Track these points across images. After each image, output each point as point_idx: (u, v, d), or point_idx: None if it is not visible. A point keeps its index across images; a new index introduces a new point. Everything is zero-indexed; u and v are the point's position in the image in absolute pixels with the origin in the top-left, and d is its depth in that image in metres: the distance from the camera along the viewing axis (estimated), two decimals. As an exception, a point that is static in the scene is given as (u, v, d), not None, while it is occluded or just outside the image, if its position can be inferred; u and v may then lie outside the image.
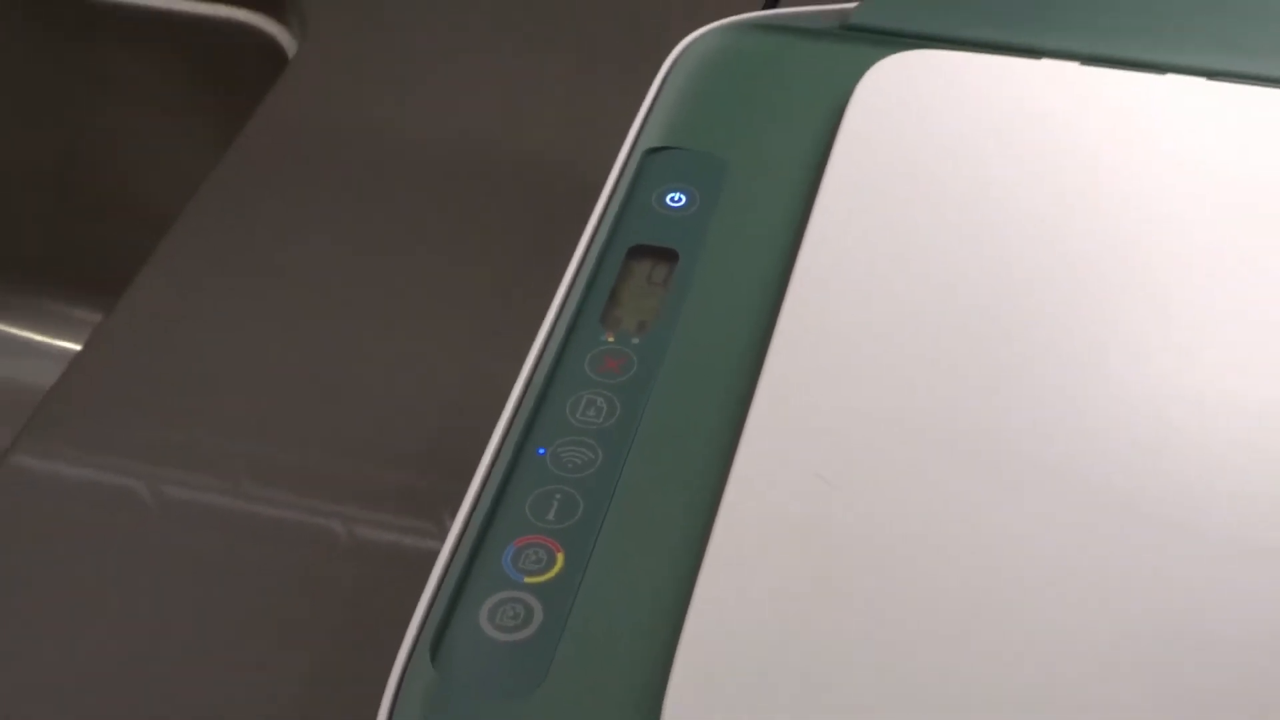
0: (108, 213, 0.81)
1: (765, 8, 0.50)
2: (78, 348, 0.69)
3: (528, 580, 0.34)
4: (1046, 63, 0.43)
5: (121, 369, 0.55)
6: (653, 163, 0.43)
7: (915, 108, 0.42)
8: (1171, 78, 0.43)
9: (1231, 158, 0.41)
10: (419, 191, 0.61)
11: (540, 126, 0.63)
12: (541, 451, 0.37)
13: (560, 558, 0.34)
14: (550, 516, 0.35)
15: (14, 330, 0.85)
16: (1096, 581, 0.32)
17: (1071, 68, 0.43)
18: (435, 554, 0.35)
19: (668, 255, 0.41)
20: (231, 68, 0.74)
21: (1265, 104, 0.42)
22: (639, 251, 0.41)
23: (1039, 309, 0.37)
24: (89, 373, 0.55)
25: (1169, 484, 0.33)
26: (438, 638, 0.33)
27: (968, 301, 0.37)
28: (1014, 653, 0.31)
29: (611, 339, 0.39)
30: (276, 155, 0.63)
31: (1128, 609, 0.31)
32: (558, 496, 0.36)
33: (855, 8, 0.46)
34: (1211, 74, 0.44)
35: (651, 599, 0.33)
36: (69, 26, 0.76)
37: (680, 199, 0.42)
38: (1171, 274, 0.38)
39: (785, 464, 0.34)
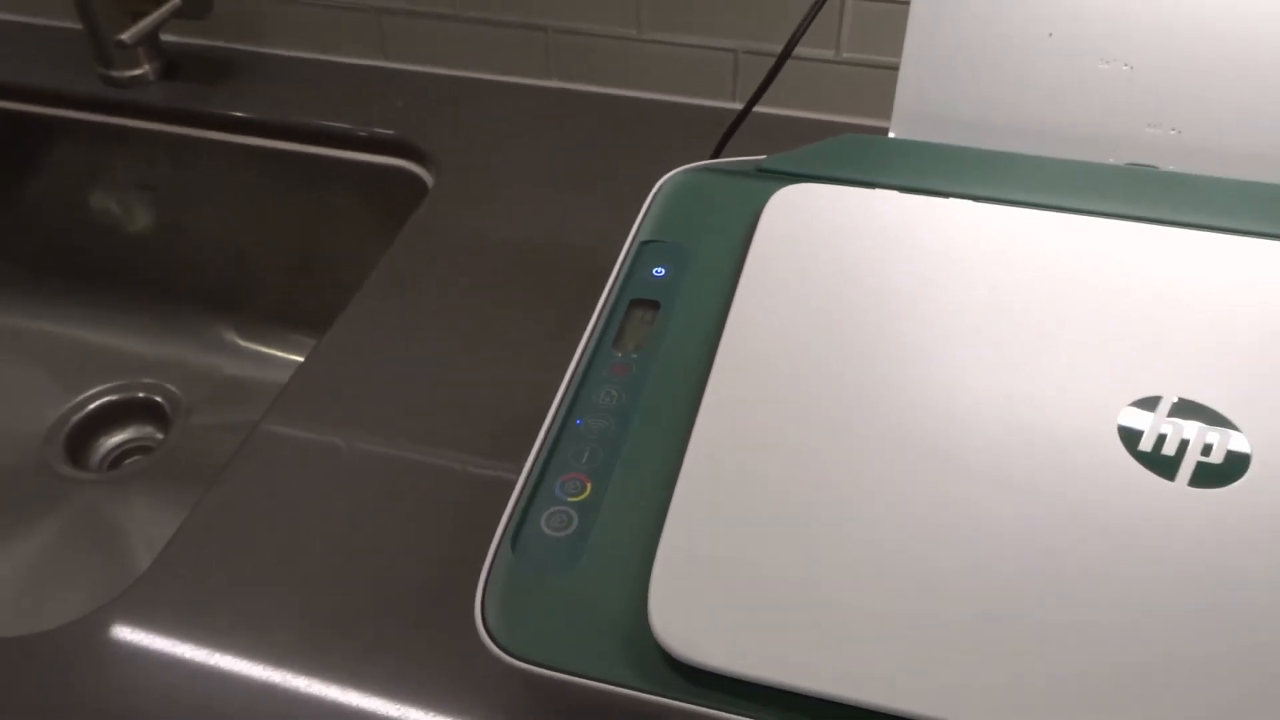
0: (320, 281, 0.79)
1: (712, 158, 0.48)
2: (300, 359, 0.68)
3: (570, 500, 0.33)
4: (885, 192, 0.41)
5: (327, 375, 0.53)
6: (645, 250, 0.41)
7: (799, 220, 0.40)
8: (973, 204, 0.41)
9: (1040, 265, 0.38)
10: (508, 272, 0.59)
11: (582, 232, 0.62)
12: (579, 422, 0.35)
13: (589, 486, 0.33)
14: (584, 461, 0.34)
15: (262, 348, 0.83)
16: (954, 497, 0.31)
17: (901, 195, 0.40)
18: (514, 485, 0.34)
19: (654, 304, 0.39)
20: (394, 194, 0.72)
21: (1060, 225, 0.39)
22: (636, 302, 0.39)
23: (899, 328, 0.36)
24: (307, 377, 0.54)
25: (977, 448, 0.32)
26: (515, 535, 0.32)
27: (836, 329, 0.36)
28: (899, 529, 0.30)
29: (620, 355, 0.37)
30: (422, 249, 0.62)
31: (968, 508, 0.30)
32: (588, 449, 0.34)
33: (764, 159, 0.44)
34: (1031, 205, 0.40)
35: (647, 511, 0.32)
36: (298, 171, 0.74)
37: (662, 271, 0.40)
38: (984, 333, 0.36)
39: (727, 424, 0.33)
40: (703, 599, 0.28)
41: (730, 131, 0.52)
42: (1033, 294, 0.36)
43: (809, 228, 0.39)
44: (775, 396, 0.33)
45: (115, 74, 0.75)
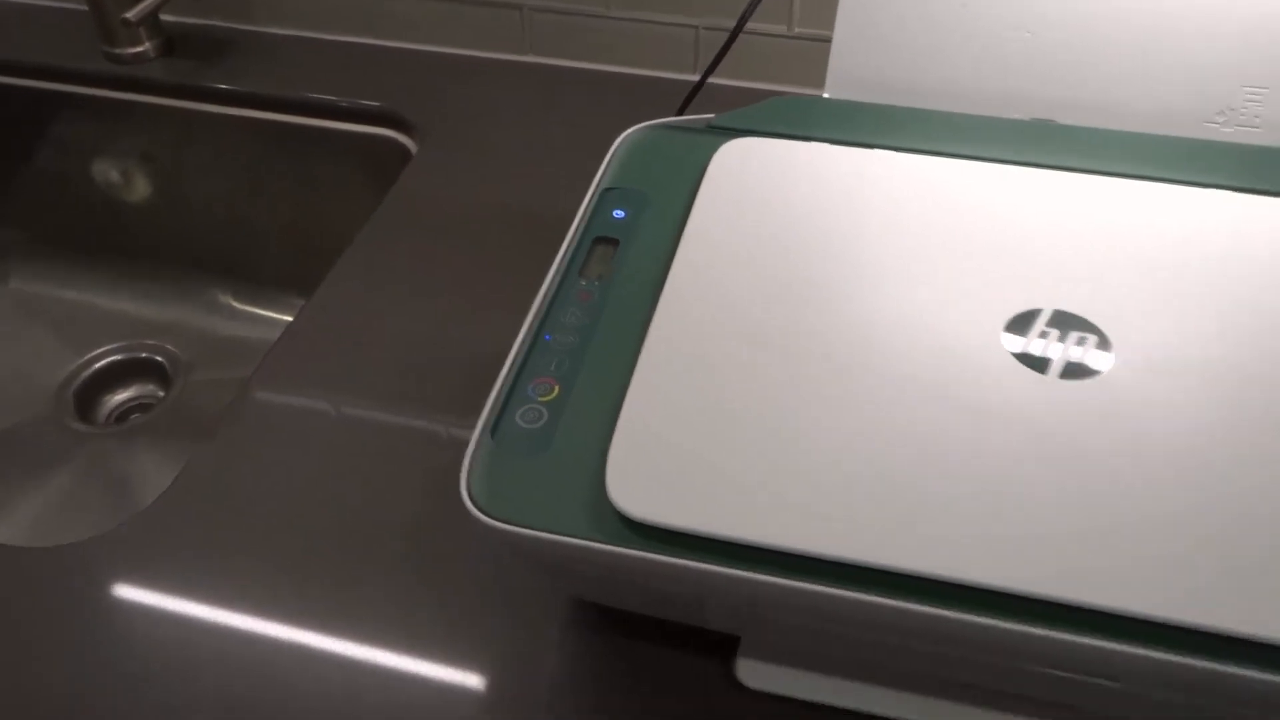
0: (312, 246, 0.82)
1: (678, 114, 0.52)
2: (282, 317, 0.72)
3: (540, 400, 0.37)
4: (818, 144, 0.45)
5: (313, 334, 0.57)
6: (607, 195, 0.45)
7: (742, 168, 0.44)
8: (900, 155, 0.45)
9: (954, 206, 0.43)
10: (487, 232, 0.63)
11: (556, 194, 0.66)
12: (548, 338, 0.39)
13: (557, 388, 0.38)
14: (552, 369, 0.38)
15: (258, 310, 0.87)
16: (871, 385, 0.36)
17: (832, 146, 0.45)
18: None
19: (614, 241, 0.43)
20: (381, 163, 0.76)
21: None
22: (599, 240, 0.43)
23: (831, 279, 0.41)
24: (296, 335, 0.57)
25: (892, 351, 0.38)
26: (495, 425, 0.36)
27: (772, 256, 0.41)
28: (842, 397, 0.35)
29: (584, 283, 0.42)
30: (406, 212, 0.66)
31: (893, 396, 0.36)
32: (555, 359, 0.39)
33: (714, 117, 0.48)
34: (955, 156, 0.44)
35: (607, 407, 0.36)
36: (291, 142, 0.78)
37: (621, 213, 0.44)
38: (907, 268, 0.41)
39: (678, 329, 0.38)
40: (652, 467, 0.33)
41: (689, 99, 0.57)
42: (944, 228, 0.42)
43: (751, 175, 0.44)
44: (719, 307, 0.39)
45: (118, 51, 0.79)
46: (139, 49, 0.79)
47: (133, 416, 0.84)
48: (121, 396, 0.86)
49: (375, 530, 0.47)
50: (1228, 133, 0.47)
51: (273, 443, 0.51)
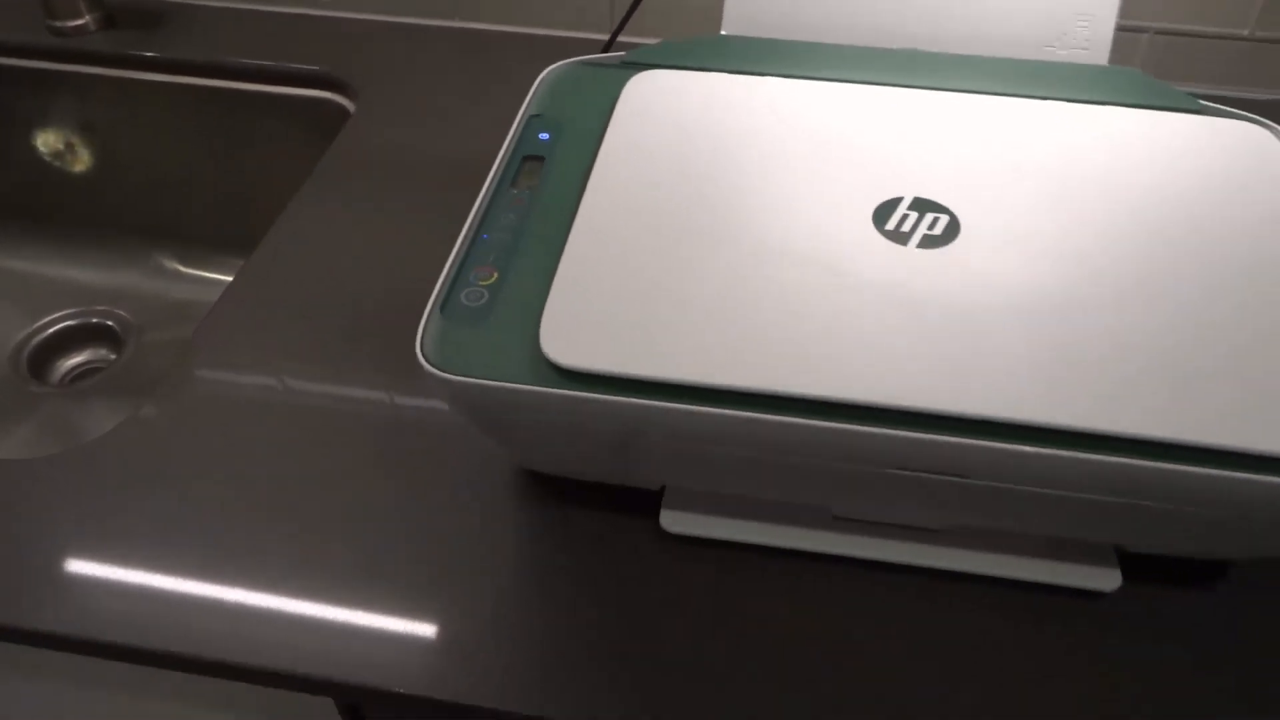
0: (250, 204, 0.85)
1: (604, 51, 0.57)
2: (229, 279, 0.74)
3: (481, 284, 0.43)
4: (716, 74, 0.51)
5: (254, 293, 0.61)
6: (533, 122, 0.51)
7: (651, 96, 0.50)
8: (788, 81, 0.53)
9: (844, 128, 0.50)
10: (423, 174, 0.68)
11: (484, 142, 0.72)
12: (485, 236, 0.45)
13: (496, 274, 0.43)
14: (490, 260, 0.44)
15: (204, 273, 0.91)
16: (764, 259, 0.42)
17: (729, 75, 0.51)
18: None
19: (540, 159, 0.49)
20: (320, 122, 0.80)
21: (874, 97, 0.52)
22: (527, 158, 0.49)
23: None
24: (235, 295, 0.61)
25: (784, 232, 0.44)
26: (444, 304, 0.42)
27: (678, 160, 0.47)
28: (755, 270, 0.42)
29: (516, 191, 0.47)
30: (345, 166, 0.70)
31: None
32: (493, 252, 0.44)
33: (627, 54, 0.54)
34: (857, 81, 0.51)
35: (539, 288, 0.42)
36: (230, 107, 0.82)
37: (546, 136, 0.50)
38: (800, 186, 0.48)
39: (599, 218, 0.44)
40: (577, 326, 0.39)
41: (607, 46, 0.63)
42: (823, 140, 0.48)
43: (657, 101, 0.51)
44: (632, 205, 0.45)
45: (59, 24, 0.82)
46: (80, 21, 0.82)
47: (87, 380, 0.87)
48: (76, 360, 0.89)
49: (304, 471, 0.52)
50: (1063, 54, 0.55)
51: (212, 405, 0.53)
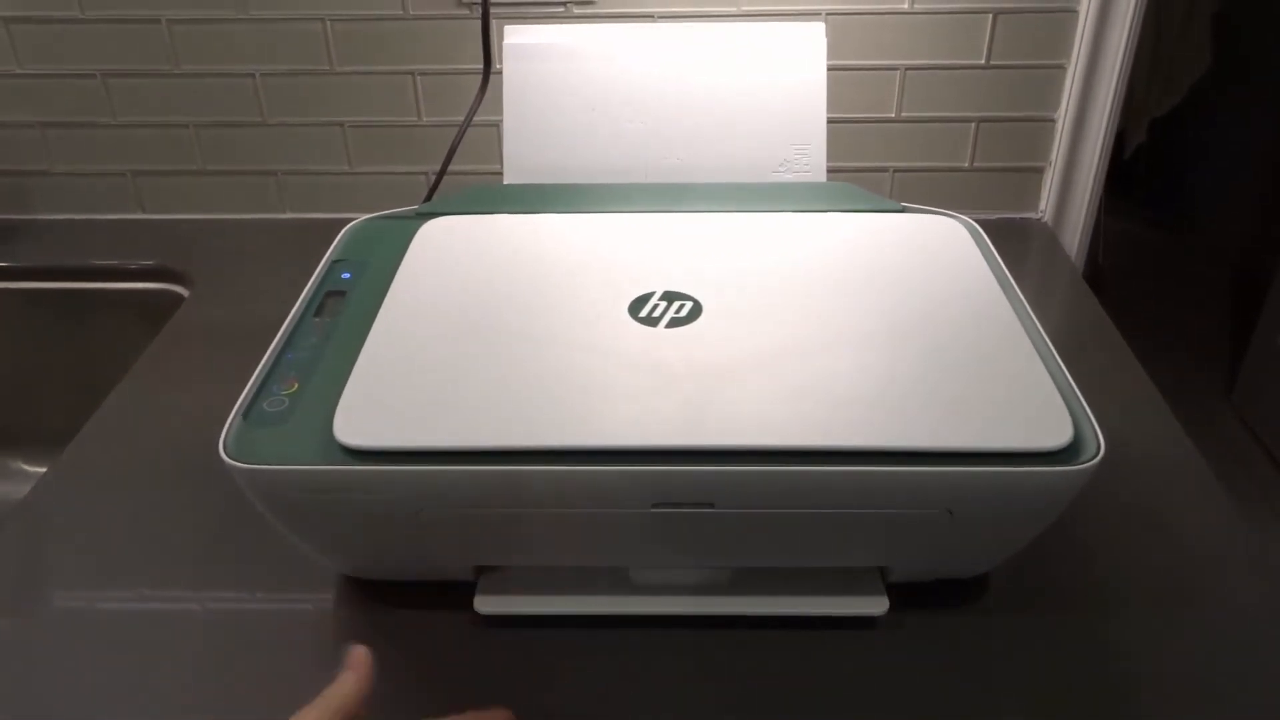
0: (95, 398, 0.88)
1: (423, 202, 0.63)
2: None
3: (282, 393, 0.47)
4: (496, 215, 0.59)
5: (63, 488, 0.64)
6: (335, 265, 0.57)
7: (439, 239, 0.57)
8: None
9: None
10: (250, 340, 0.74)
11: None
12: (290, 355, 0.50)
13: (297, 384, 0.48)
14: (293, 373, 0.48)
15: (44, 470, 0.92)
16: (536, 346, 0.48)
17: (508, 216, 0.59)
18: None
19: (342, 293, 0.54)
20: (158, 307, 0.83)
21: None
22: (330, 293, 0.54)
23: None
24: (43, 489, 0.64)
25: (557, 322, 0.50)
26: (247, 411, 0.46)
27: (460, 286, 0.54)
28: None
29: (319, 320, 0.52)
30: (182, 339, 0.75)
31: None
32: (295, 368, 0.49)
33: (419, 206, 0.62)
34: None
35: (335, 392, 0.46)
36: (70, 307, 0.85)
37: (348, 275, 0.56)
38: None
39: (392, 331, 0.49)
40: (366, 415, 0.44)
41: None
42: (586, 258, 0.56)
43: (444, 241, 0.58)
44: (419, 319, 0.51)
45: (-101, 245, 0.85)
46: (-81, 241, 0.85)
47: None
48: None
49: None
50: (789, 177, 0.65)
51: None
